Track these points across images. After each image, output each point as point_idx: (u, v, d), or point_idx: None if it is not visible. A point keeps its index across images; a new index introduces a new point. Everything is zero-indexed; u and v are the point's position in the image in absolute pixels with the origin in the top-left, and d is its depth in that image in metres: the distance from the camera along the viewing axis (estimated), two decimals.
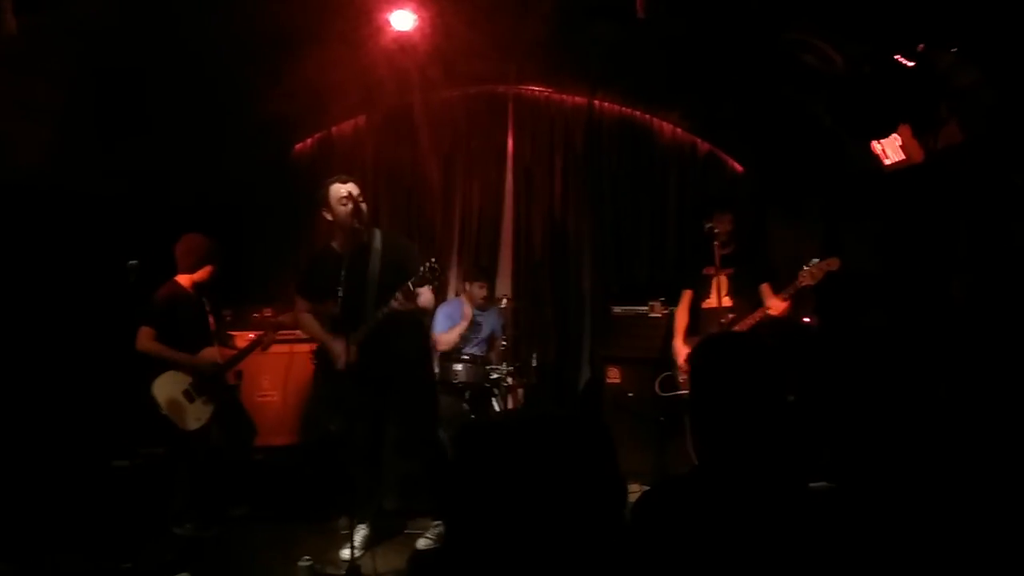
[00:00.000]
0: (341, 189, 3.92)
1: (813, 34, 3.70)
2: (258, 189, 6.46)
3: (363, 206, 3.94)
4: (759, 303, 4.69)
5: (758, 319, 4.56)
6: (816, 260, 4.38)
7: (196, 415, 4.34)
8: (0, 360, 4.40)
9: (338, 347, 3.90)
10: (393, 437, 4.12)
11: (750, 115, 5.36)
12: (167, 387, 4.28)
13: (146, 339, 4.28)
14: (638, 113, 6.44)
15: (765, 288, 4.73)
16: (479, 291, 5.51)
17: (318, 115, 6.19)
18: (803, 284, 4.39)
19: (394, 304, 3.79)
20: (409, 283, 3.75)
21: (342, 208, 3.89)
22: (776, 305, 4.50)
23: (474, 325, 5.46)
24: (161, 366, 4.30)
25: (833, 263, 4.35)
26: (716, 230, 4.66)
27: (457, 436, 1.26)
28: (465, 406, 5.06)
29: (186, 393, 4.34)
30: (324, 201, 3.95)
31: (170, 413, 4.24)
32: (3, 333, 4.44)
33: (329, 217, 3.97)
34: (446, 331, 5.44)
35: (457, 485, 1.23)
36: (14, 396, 4.45)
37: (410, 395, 4.08)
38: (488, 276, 5.70)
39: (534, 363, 5.83)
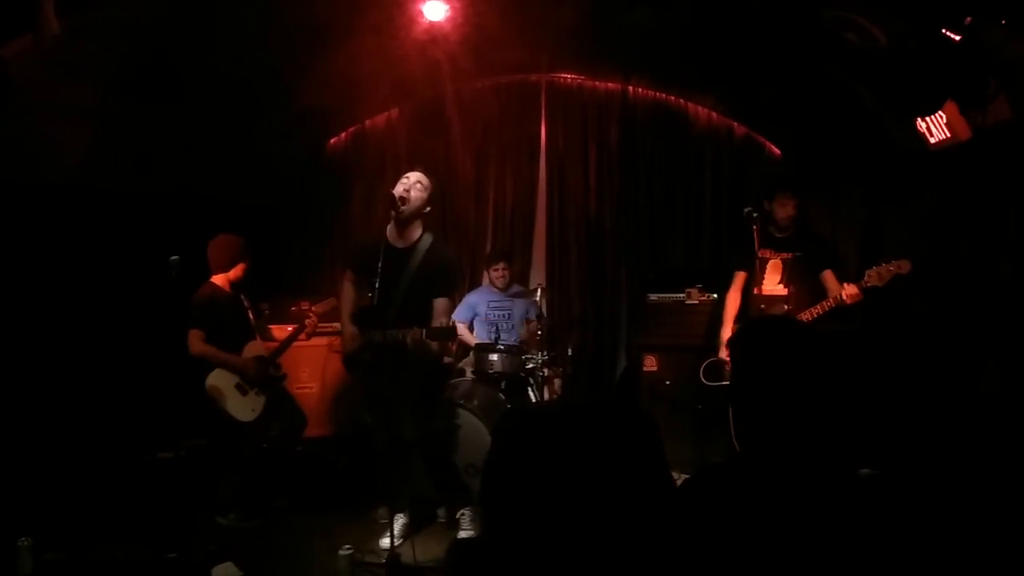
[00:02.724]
0: (402, 177, 4.02)
1: (854, 10, 3.59)
2: (294, 183, 6.52)
3: (408, 191, 3.96)
4: (817, 291, 4.52)
5: (827, 308, 4.33)
6: (883, 260, 4.18)
7: (251, 406, 4.45)
8: (49, 356, 4.51)
9: (347, 332, 4.11)
10: (424, 426, 4.14)
11: (788, 97, 5.24)
12: (221, 381, 4.38)
13: (197, 342, 4.37)
14: (672, 98, 6.35)
15: (828, 275, 4.53)
16: (495, 274, 5.57)
17: (352, 108, 6.22)
18: (869, 284, 4.19)
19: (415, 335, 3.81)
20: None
21: (397, 186, 3.98)
22: (851, 292, 4.24)
23: (502, 312, 5.50)
24: (211, 363, 4.39)
25: (904, 265, 4.15)
26: (776, 213, 4.51)
27: (498, 423, 1.24)
28: (501, 396, 5.06)
29: (239, 386, 4.44)
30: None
31: (226, 406, 4.34)
32: (51, 330, 4.54)
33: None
34: (464, 322, 5.51)
35: (498, 472, 1.21)
36: (62, 391, 4.55)
37: (419, 389, 4.10)
38: (504, 256, 5.67)
39: (570, 352, 5.81)
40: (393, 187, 4.03)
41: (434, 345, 4.01)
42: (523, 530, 1.14)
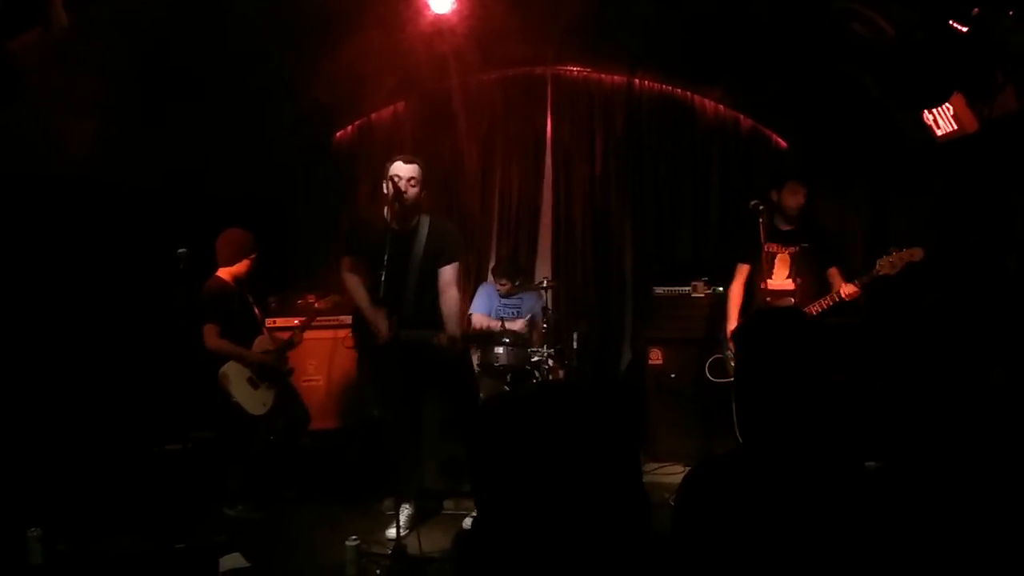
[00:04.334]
0: (397, 169, 3.98)
1: (861, 2, 3.58)
2: (300, 176, 6.54)
3: (409, 191, 3.96)
4: (823, 285, 4.49)
5: (827, 305, 4.33)
6: (895, 249, 4.14)
7: (262, 400, 4.49)
8: (58, 348, 4.54)
9: (379, 319, 3.93)
10: (436, 419, 4.17)
11: (795, 89, 5.23)
12: (233, 376, 4.41)
13: (213, 336, 4.39)
14: (679, 90, 6.34)
15: (834, 272, 4.49)
16: (501, 288, 5.63)
17: (358, 102, 6.22)
18: (881, 273, 4.16)
19: (442, 340, 3.87)
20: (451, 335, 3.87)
21: (390, 186, 3.95)
22: (849, 292, 4.25)
23: (511, 309, 5.57)
24: (223, 357, 4.41)
25: (916, 253, 4.10)
26: (785, 202, 4.48)
27: (478, 411, 1.28)
28: (507, 388, 5.07)
29: (250, 380, 4.48)
30: (384, 175, 4.02)
31: (239, 400, 4.37)
32: (61, 323, 4.57)
33: (384, 191, 4.03)
34: (481, 313, 5.53)
35: (479, 459, 1.24)
36: (71, 383, 4.58)
37: (449, 379, 4.11)
38: (510, 273, 5.66)
39: (575, 345, 5.82)
40: (384, 177, 4.02)
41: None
42: (508, 514, 1.16)
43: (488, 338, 4.04)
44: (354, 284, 4.19)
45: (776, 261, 4.56)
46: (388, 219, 4.05)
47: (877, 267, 4.18)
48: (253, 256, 4.62)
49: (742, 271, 4.72)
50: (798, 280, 4.57)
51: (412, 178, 3.98)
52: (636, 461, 1.26)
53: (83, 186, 4.70)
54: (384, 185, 4.02)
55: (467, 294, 6.05)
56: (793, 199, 4.51)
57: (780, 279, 4.56)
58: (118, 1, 3.74)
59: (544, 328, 5.27)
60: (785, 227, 4.59)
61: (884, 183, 5.19)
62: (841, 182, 5.62)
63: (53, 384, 4.50)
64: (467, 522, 4.15)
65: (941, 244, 4.48)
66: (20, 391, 4.33)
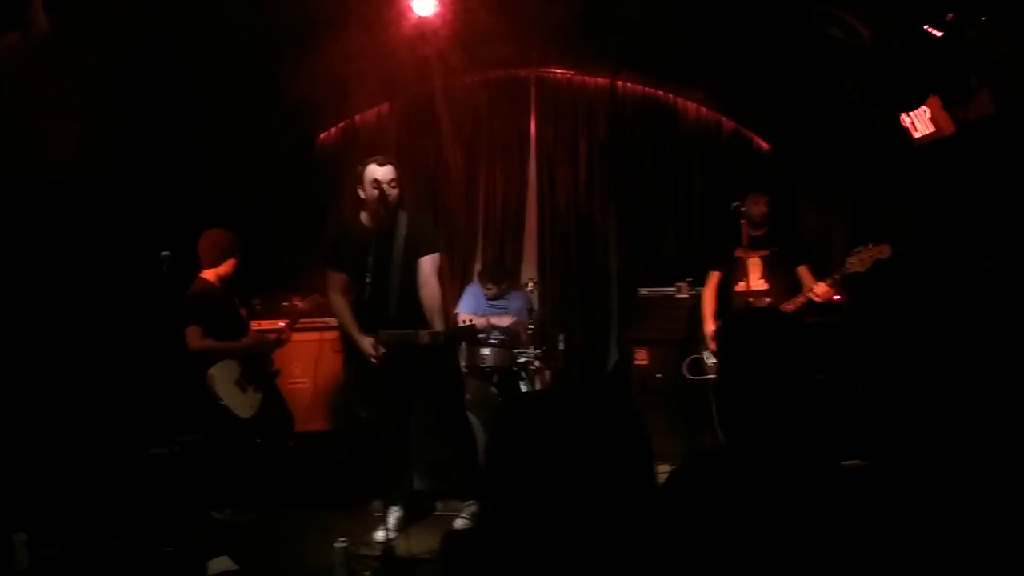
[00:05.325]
0: (374, 172, 3.95)
1: (840, 7, 3.64)
2: (285, 179, 6.53)
3: (391, 193, 3.96)
4: (795, 286, 4.58)
5: (799, 305, 4.41)
6: (863, 246, 4.21)
7: (250, 403, 4.49)
8: (43, 352, 4.51)
9: (366, 344, 3.94)
10: (422, 421, 4.17)
11: (776, 92, 5.29)
12: (220, 378, 4.39)
13: (196, 338, 4.36)
14: (661, 93, 6.38)
15: (803, 271, 4.60)
16: (487, 292, 5.63)
17: (342, 104, 6.22)
18: (851, 271, 4.23)
19: (425, 338, 3.83)
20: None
21: (372, 191, 3.94)
22: (821, 291, 4.34)
23: (499, 311, 5.57)
24: (208, 358, 4.40)
25: (884, 250, 4.17)
26: (749, 211, 4.57)
27: (496, 413, 1.29)
28: (493, 390, 5.09)
29: (238, 383, 4.47)
30: (359, 179, 4.00)
31: (227, 402, 4.37)
32: (44, 327, 4.55)
33: (362, 195, 4.02)
34: (469, 313, 5.56)
35: (494, 463, 1.24)
36: (56, 387, 4.56)
37: (437, 381, 4.12)
38: (496, 278, 5.65)
39: (561, 346, 5.85)
40: (359, 181, 4.02)
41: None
42: (517, 517, 1.17)
43: (473, 334, 4.01)
44: (340, 307, 4.13)
45: (748, 265, 4.66)
46: (367, 222, 4.06)
47: (847, 265, 4.25)
48: (237, 256, 4.61)
49: (713, 277, 4.90)
50: (770, 282, 4.68)
51: (392, 179, 3.97)
52: (652, 472, 1.27)
53: (66, 188, 4.67)
54: (360, 189, 4.01)
55: (453, 295, 6.07)
56: (756, 208, 4.63)
57: (753, 281, 4.65)
58: (101, 3, 3.72)
59: (530, 329, 5.30)
60: (754, 232, 4.69)
61: (866, 184, 5.25)
62: (823, 183, 5.69)
63: (39, 388, 4.48)
64: (457, 523, 4.17)
65: (922, 244, 4.55)
66: (5, 395, 4.30)
